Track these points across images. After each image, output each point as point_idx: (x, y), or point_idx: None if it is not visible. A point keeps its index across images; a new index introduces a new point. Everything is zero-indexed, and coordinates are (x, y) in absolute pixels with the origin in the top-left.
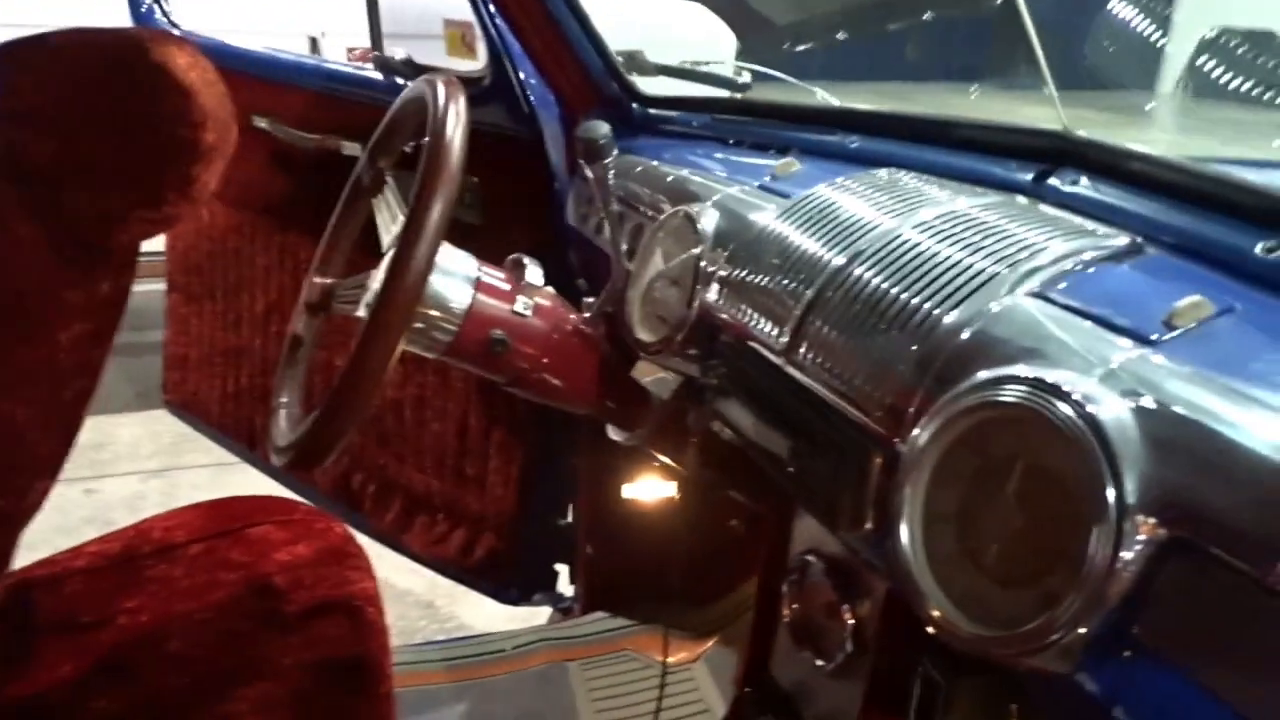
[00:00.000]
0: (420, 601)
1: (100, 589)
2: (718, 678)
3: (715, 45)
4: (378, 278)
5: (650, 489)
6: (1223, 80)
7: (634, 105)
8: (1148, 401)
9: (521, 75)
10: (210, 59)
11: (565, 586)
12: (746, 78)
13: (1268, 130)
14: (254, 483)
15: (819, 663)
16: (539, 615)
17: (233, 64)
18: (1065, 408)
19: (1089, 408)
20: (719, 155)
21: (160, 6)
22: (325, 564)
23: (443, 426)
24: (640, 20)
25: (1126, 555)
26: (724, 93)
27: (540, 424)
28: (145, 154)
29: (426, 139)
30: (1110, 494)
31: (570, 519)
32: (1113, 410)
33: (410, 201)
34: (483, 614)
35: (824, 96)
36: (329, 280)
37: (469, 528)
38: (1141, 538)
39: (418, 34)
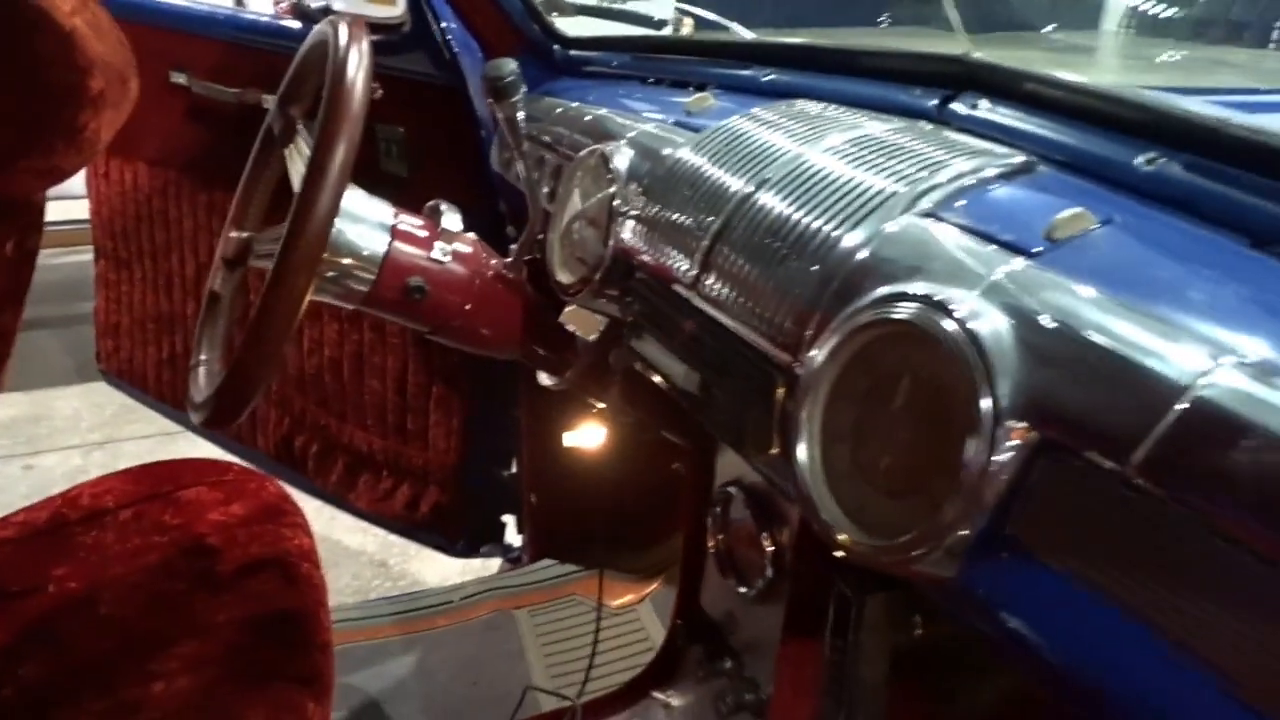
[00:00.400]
0: (374, 560)
1: (29, 558)
2: (661, 616)
3: None
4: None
5: (591, 436)
6: (1164, 17)
7: (555, 47)
8: (1024, 312)
9: (442, 21)
10: (120, 12)
11: (514, 537)
12: (664, 15)
13: (1212, 66)
14: (199, 451)
15: (742, 590)
16: (493, 567)
17: (145, 18)
18: (947, 322)
19: (969, 321)
20: (639, 94)
21: None
22: (259, 522)
23: (382, 383)
24: None
25: (1000, 459)
26: (645, 31)
27: (480, 376)
28: (24, 101)
29: (327, 81)
30: (985, 402)
31: (514, 469)
32: (991, 322)
33: (313, 145)
34: (436, 569)
35: (740, 31)
36: (245, 234)
37: (414, 483)
38: (1014, 442)
39: None
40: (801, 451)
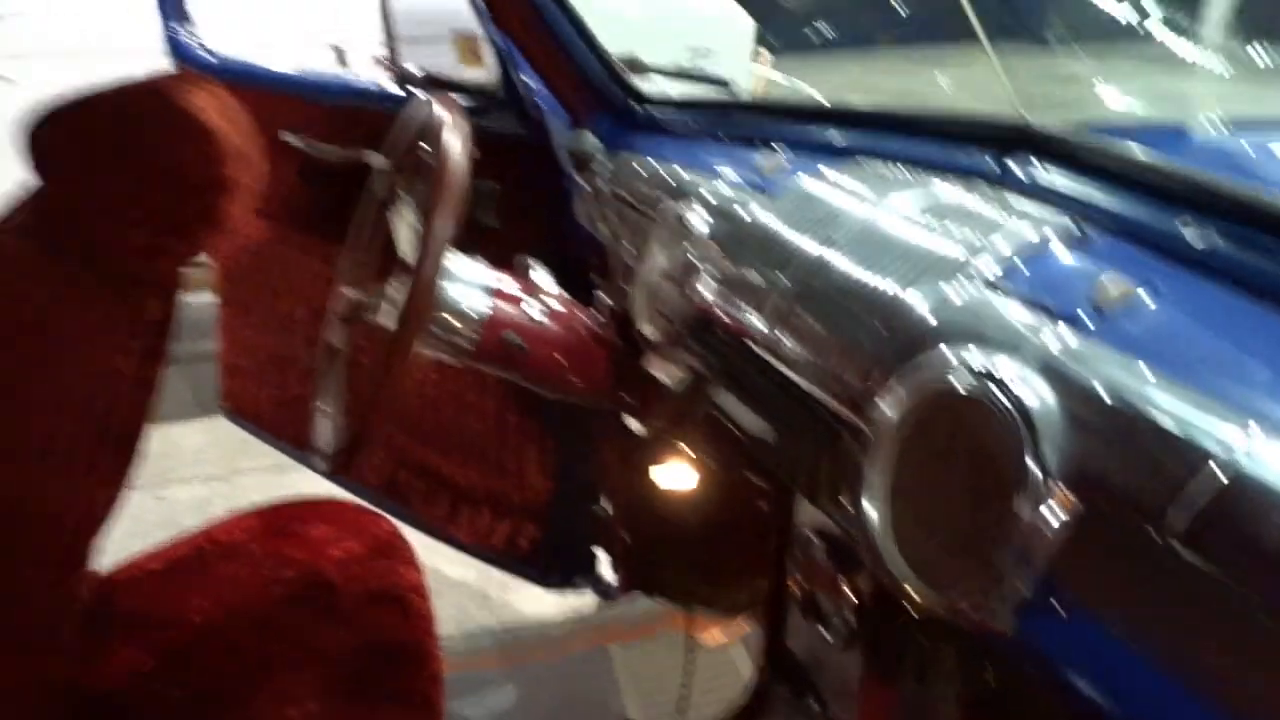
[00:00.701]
0: (474, 591)
1: (175, 589)
2: (752, 653)
3: (733, 28)
4: (396, 287)
5: (678, 474)
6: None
7: (634, 105)
8: (1070, 382)
9: (528, 83)
10: (235, 81)
11: (607, 571)
12: (732, 75)
13: None
14: (311, 483)
15: (825, 634)
16: (589, 600)
17: (258, 84)
18: (999, 392)
19: (1018, 392)
20: (714, 151)
21: (190, 32)
22: (375, 558)
23: (481, 423)
24: (663, 7)
25: (1047, 521)
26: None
27: (570, 415)
28: (173, 195)
29: (431, 164)
30: (1032, 468)
31: (604, 503)
32: (1039, 392)
33: (421, 223)
34: (534, 601)
35: (810, 93)
36: (356, 292)
37: (512, 518)
38: (1060, 506)
39: (430, 36)
40: (868, 506)
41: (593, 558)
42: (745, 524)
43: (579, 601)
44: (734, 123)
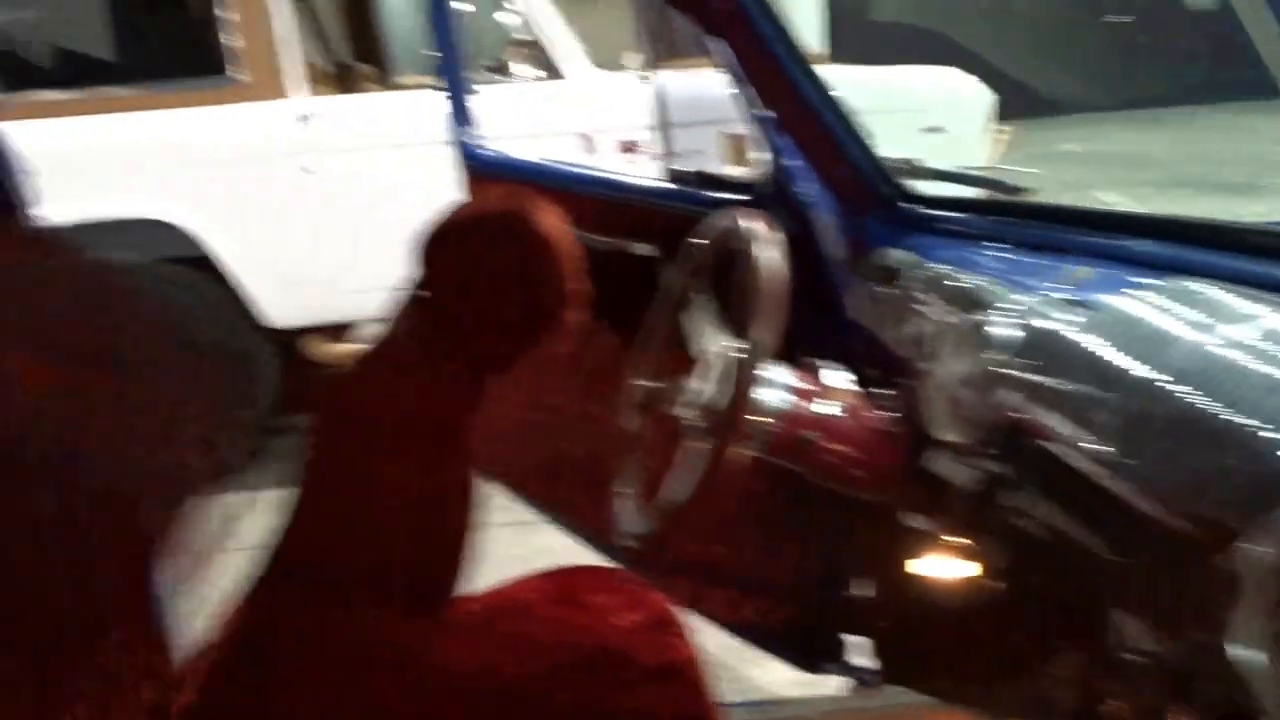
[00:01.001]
0: (718, 664)
1: (475, 642)
2: None
3: (968, 103)
4: (695, 382)
5: (945, 566)
6: None
7: (908, 205)
8: None
9: (799, 180)
10: (520, 175)
11: (858, 657)
12: (1022, 181)
13: None
14: (551, 539)
15: None
16: (829, 683)
17: (532, 178)
18: None
19: None
20: (997, 257)
21: (475, 134)
22: (655, 631)
23: (737, 500)
24: (903, 85)
25: None
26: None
27: (832, 498)
28: (533, 307)
29: (752, 285)
30: None
31: (865, 591)
32: None
33: (747, 336)
34: (773, 678)
35: (1099, 198)
36: (649, 383)
37: (764, 596)
38: None
39: (695, 122)
40: (1242, 650)
41: (848, 643)
42: (1028, 628)
43: (826, 684)
44: (1019, 229)
